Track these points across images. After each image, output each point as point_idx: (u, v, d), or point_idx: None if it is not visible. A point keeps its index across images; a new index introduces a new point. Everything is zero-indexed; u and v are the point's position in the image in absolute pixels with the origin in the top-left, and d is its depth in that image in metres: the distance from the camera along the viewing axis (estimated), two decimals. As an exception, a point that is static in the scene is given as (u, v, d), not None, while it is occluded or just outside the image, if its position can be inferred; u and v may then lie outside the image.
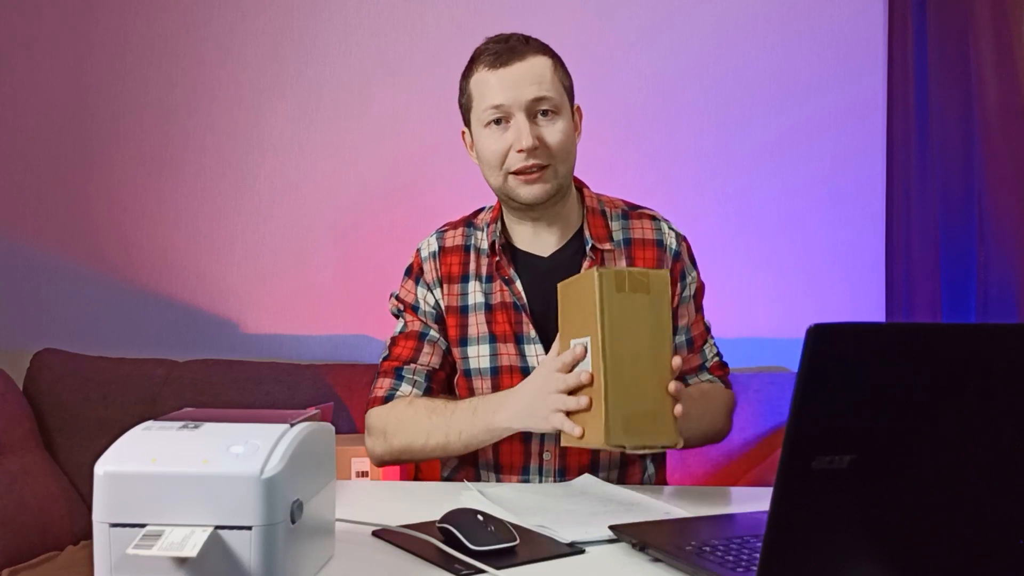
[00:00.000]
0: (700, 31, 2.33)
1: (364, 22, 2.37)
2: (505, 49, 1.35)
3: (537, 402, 1.23)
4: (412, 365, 1.42)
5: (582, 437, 1.17)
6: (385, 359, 1.45)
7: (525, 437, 1.37)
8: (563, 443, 1.22)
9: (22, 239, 2.39)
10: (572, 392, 1.18)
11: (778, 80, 2.32)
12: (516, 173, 1.35)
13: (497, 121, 1.35)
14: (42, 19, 2.39)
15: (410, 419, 1.36)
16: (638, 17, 2.34)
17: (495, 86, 1.34)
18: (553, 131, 1.35)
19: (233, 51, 2.38)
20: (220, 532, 0.81)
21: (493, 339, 1.41)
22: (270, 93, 2.38)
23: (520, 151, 1.33)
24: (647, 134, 2.34)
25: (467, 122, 1.43)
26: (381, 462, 1.41)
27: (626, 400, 1.13)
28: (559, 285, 1.24)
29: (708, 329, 1.50)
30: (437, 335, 1.44)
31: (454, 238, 1.47)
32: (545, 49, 1.39)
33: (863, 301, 2.29)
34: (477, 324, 1.42)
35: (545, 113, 1.35)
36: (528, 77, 1.34)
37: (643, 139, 2.33)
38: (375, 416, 1.41)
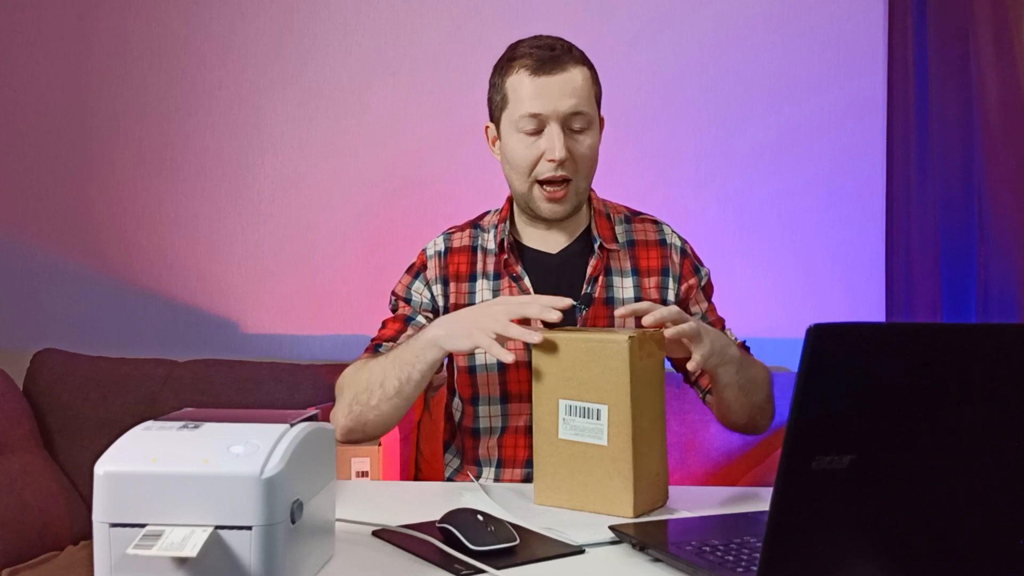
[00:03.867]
0: (700, 31, 2.33)
1: (364, 22, 2.37)
2: (550, 57, 1.34)
3: (474, 316, 1.23)
4: (390, 344, 1.41)
5: (587, 505, 1.15)
6: (372, 340, 1.46)
7: (528, 431, 1.37)
8: (539, 501, 1.19)
9: (22, 239, 2.39)
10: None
11: (778, 80, 2.32)
12: (543, 183, 1.36)
13: (531, 128, 1.35)
14: (42, 19, 2.39)
15: (359, 366, 1.36)
16: (638, 17, 2.34)
17: (534, 94, 1.34)
18: (583, 146, 1.37)
19: (233, 51, 2.38)
20: (220, 532, 0.81)
21: None
22: (270, 93, 2.38)
23: (551, 160, 1.34)
24: (647, 134, 2.34)
25: (494, 118, 1.42)
26: (345, 431, 1.37)
27: (644, 469, 1.15)
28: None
29: (723, 321, 1.51)
30: (424, 321, 1.43)
31: (461, 239, 1.48)
32: (584, 59, 1.39)
33: (863, 301, 2.29)
34: None
35: (578, 126, 1.36)
36: (568, 89, 1.34)
37: (643, 139, 2.33)
38: (337, 381, 1.40)
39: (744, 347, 1.49)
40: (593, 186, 1.51)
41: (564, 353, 1.16)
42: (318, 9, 2.37)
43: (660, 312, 1.18)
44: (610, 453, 1.13)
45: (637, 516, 1.13)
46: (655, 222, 1.51)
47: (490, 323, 1.20)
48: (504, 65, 1.39)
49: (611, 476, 1.13)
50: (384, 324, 1.47)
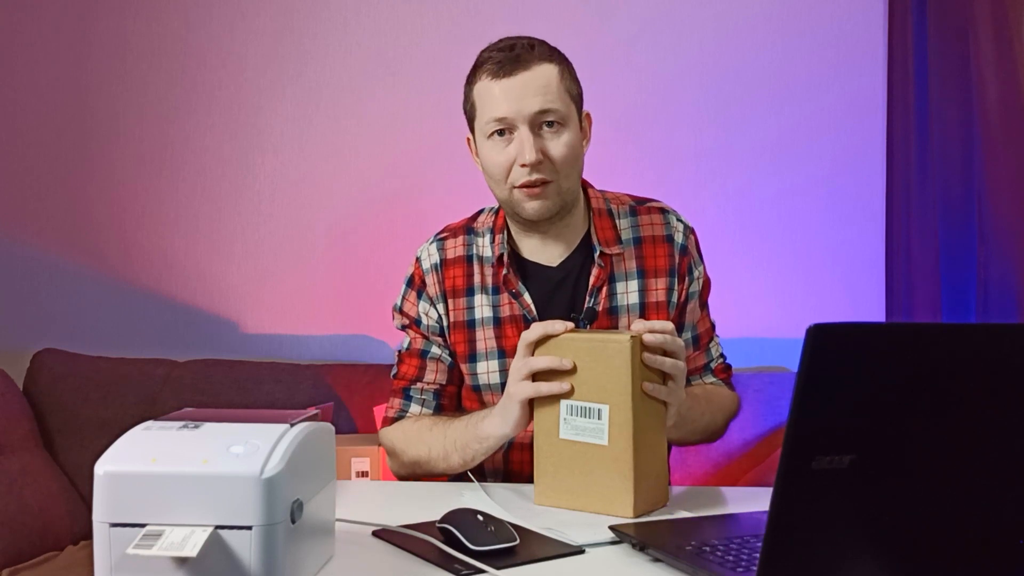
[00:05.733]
0: (700, 31, 2.33)
1: (364, 22, 2.37)
2: (509, 58, 1.30)
3: (510, 394, 1.21)
4: (419, 384, 1.42)
5: (587, 505, 1.16)
6: (394, 376, 1.45)
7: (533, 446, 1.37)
8: (538, 503, 1.19)
9: (22, 239, 2.39)
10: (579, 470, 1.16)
11: (778, 80, 2.32)
12: (521, 187, 1.31)
13: (500, 132, 1.31)
14: (42, 19, 2.39)
15: (414, 434, 1.37)
16: (638, 16, 2.34)
17: (498, 97, 1.30)
18: (558, 144, 1.30)
19: (233, 51, 2.38)
20: (220, 532, 0.81)
21: (502, 354, 1.38)
22: (270, 93, 2.38)
23: (523, 165, 1.29)
24: (647, 134, 2.34)
25: (470, 128, 1.40)
26: (401, 477, 1.42)
27: (644, 469, 1.14)
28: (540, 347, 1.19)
29: (713, 327, 1.48)
30: (439, 351, 1.42)
31: (455, 248, 1.43)
32: (552, 55, 1.33)
33: (863, 301, 2.29)
34: (485, 339, 1.39)
35: (551, 125, 1.30)
36: (532, 88, 1.29)
37: (643, 139, 2.33)
38: (385, 436, 1.42)
39: (725, 369, 1.48)
40: (593, 185, 1.50)
41: (566, 353, 1.16)
42: (318, 9, 2.37)
43: (664, 337, 1.15)
44: (611, 453, 1.13)
45: (637, 516, 1.13)
46: (662, 211, 1.44)
47: (524, 388, 1.19)
48: (471, 74, 1.36)
49: (611, 476, 1.13)
50: (401, 359, 1.44)
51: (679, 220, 1.45)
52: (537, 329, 1.18)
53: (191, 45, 2.38)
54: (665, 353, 1.15)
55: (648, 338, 1.13)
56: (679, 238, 1.42)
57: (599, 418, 1.14)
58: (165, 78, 2.38)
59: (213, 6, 2.37)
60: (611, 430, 1.13)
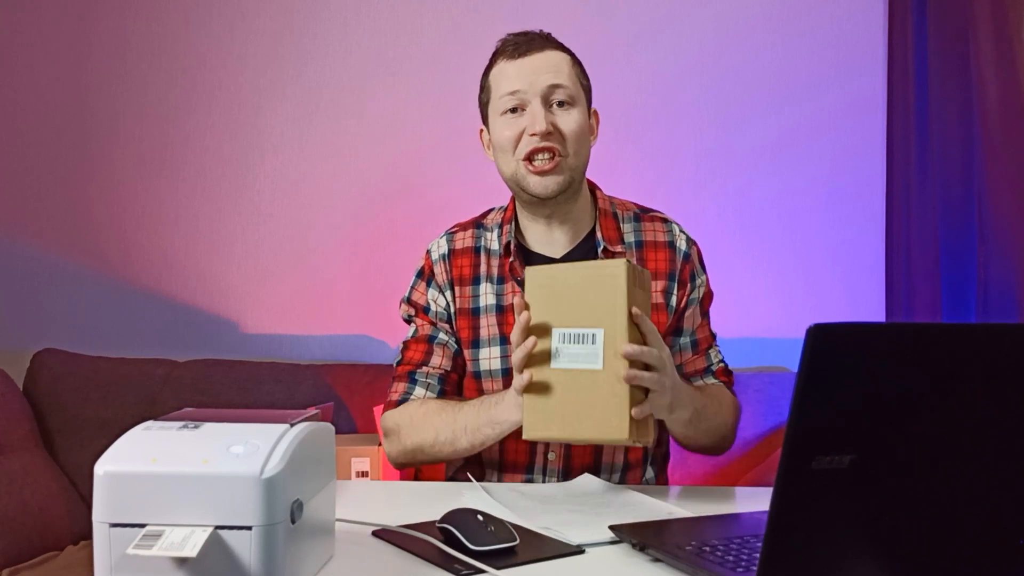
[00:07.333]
0: (700, 31, 2.33)
1: (364, 22, 2.37)
2: (524, 41, 1.39)
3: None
4: (424, 368, 1.44)
5: (579, 432, 1.14)
6: (399, 363, 1.46)
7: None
8: (528, 436, 1.17)
9: (22, 239, 2.39)
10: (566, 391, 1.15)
11: (778, 80, 2.32)
12: (529, 159, 1.35)
13: (513, 109, 1.37)
14: (42, 19, 2.39)
15: (420, 418, 1.37)
16: (638, 16, 2.34)
17: (512, 74, 1.37)
18: (568, 120, 1.36)
19: (233, 51, 2.38)
20: (220, 532, 0.81)
21: (503, 341, 1.41)
22: (270, 93, 2.38)
23: (533, 135, 1.34)
24: (647, 134, 2.34)
25: (485, 118, 1.44)
26: (397, 464, 1.42)
27: (637, 394, 1.14)
28: (531, 270, 1.19)
29: (713, 337, 1.50)
30: (446, 337, 1.45)
31: (464, 240, 1.48)
32: (564, 47, 1.42)
33: (863, 301, 2.29)
34: (488, 326, 1.42)
35: (561, 104, 1.36)
36: (545, 66, 1.36)
37: (643, 139, 2.33)
38: (388, 418, 1.43)
39: (726, 372, 1.49)
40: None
41: (559, 281, 1.15)
42: (318, 9, 2.37)
43: (641, 348, 1.14)
44: (604, 377, 1.12)
45: (631, 441, 1.12)
46: (665, 221, 1.49)
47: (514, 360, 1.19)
48: (487, 65, 1.43)
49: (606, 399, 1.12)
50: (406, 346, 1.47)
51: (682, 232, 1.49)
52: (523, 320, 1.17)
53: (191, 45, 2.38)
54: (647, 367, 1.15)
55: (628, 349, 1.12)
56: (681, 245, 1.46)
57: (593, 343, 1.13)
58: (165, 78, 2.38)
59: (213, 6, 2.37)
60: (605, 352, 1.12)
